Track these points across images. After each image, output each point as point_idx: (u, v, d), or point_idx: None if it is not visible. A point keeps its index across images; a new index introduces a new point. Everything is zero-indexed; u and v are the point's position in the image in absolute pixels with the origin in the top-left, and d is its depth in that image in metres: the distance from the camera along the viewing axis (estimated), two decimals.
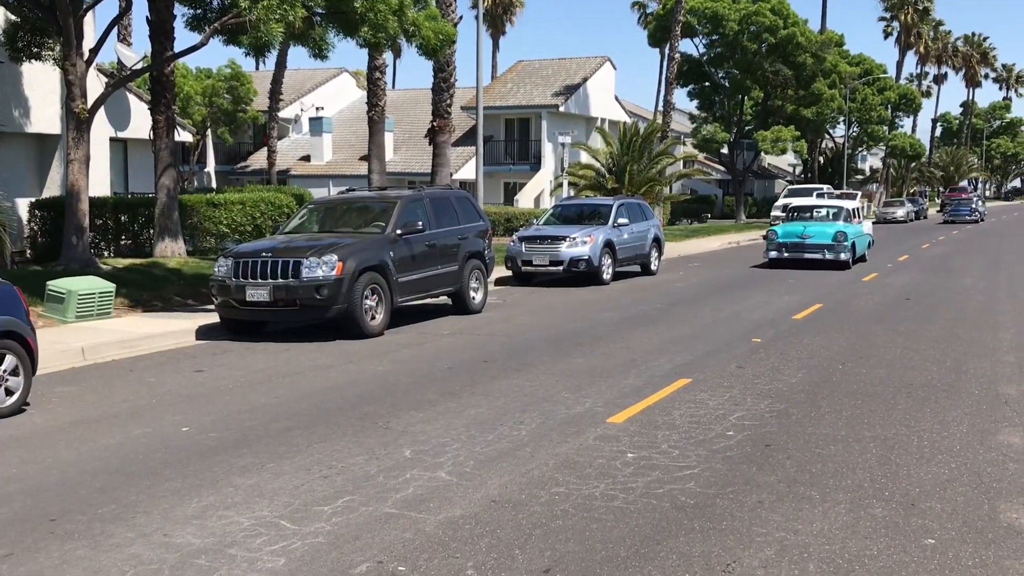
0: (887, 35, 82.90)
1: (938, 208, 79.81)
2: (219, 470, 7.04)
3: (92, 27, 20.49)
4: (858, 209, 26.93)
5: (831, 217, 25.67)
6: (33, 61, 18.92)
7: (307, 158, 47.09)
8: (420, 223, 14.77)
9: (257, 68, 52.07)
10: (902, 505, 6.18)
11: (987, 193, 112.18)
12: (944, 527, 5.79)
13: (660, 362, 11.22)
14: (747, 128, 55.10)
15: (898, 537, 5.63)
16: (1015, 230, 47.39)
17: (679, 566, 5.23)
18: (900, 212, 58.22)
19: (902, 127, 79.54)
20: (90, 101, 17.42)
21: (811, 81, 52.81)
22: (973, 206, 57.42)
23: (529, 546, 5.50)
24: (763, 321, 14.68)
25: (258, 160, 47.82)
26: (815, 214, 26.25)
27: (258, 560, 5.34)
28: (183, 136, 28.25)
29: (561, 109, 45.59)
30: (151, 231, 20.50)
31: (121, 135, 25.01)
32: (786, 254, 24.56)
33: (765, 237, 26.32)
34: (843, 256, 23.91)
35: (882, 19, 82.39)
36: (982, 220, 57.08)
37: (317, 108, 49.46)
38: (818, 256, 24.05)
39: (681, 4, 45.67)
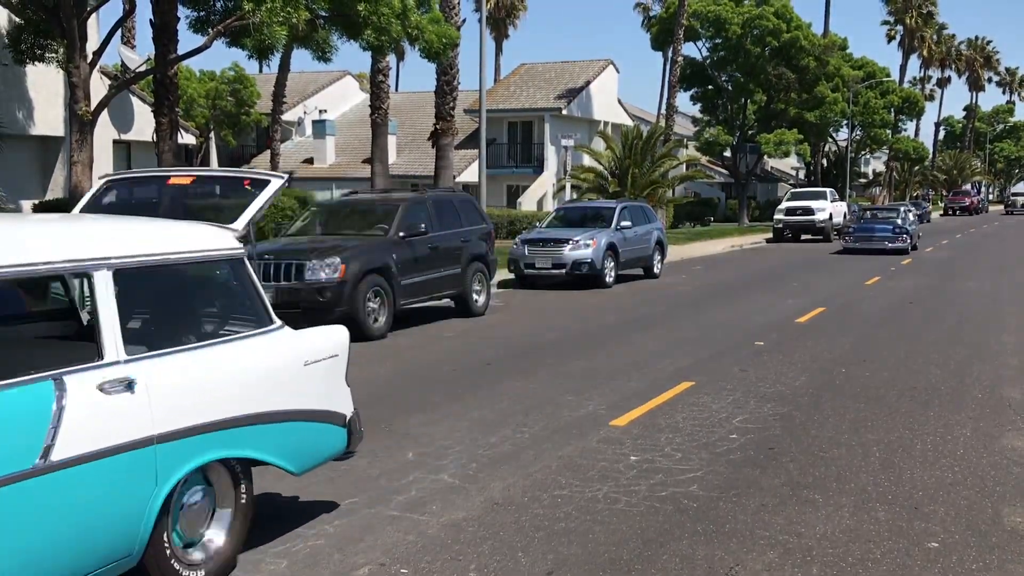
0: (890, 39, 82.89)
1: (942, 211, 79.86)
2: None
3: (96, 29, 20.53)
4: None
5: None
6: (37, 63, 18.97)
7: (310, 161, 47.14)
8: (423, 225, 14.78)
9: (260, 71, 52.08)
10: (906, 509, 6.17)
11: (990, 197, 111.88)
12: (948, 531, 5.78)
13: (663, 365, 11.21)
14: (750, 131, 55.07)
15: (902, 540, 5.62)
16: (1012, 235, 47.33)
17: (682, 569, 5.22)
18: None
19: (905, 131, 79.48)
20: (93, 103, 17.45)
21: (814, 84, 52.77)
22: (898, 224, 32.73)
23: (532, 549, 5.50)
24: (766, 324, 14.67)
25: (261, 163, 47.81)
26: None
27: (261, 562, 5.33)
28: (186, 138, 28.28)
29: (564, 112, 45.61)
30: None
31: (124, 137, 25.06)
32: None
33: None
34: None
35: (885, 23, 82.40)
36: (913, 248, 32.51)
37: (320, 111, 49.49)
38: None
39: (684, 8, 45.67)
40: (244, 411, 4.89)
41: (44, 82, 21.30)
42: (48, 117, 21.75)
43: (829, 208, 40.33)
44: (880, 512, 6.10)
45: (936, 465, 7.12)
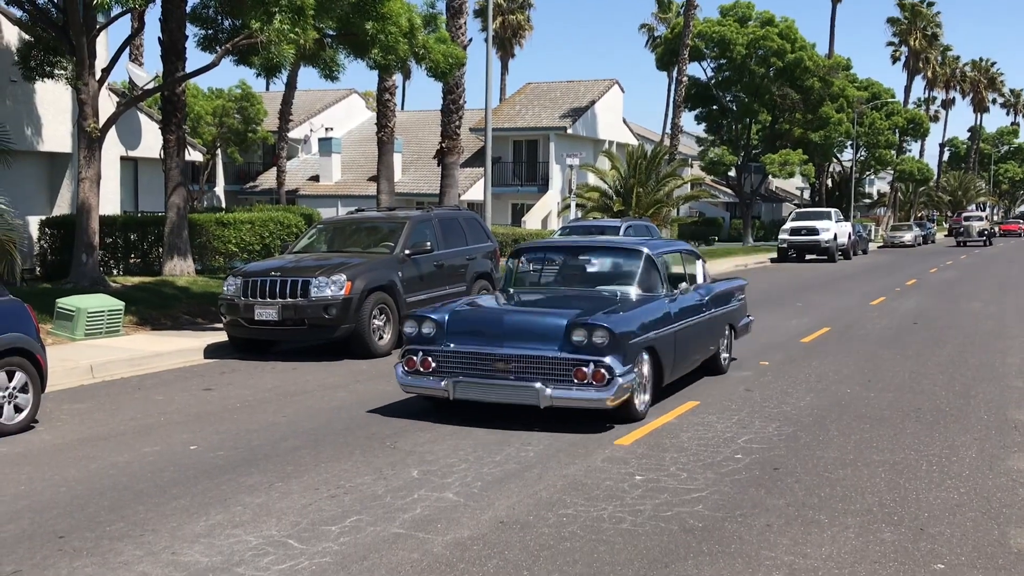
0: (895, 60, 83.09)
1: (946, 232, 79.74)
2: (227, 488, 7.04)
3: (105, 47, 20.64)
4: None
5: None
6: (46, 80, 19.07)
7: (316, 178, 47.29)
8: (429, 243, 14.82)
9: (267, 88, 52.44)
10: (911, 530, 6.15)
11: (995, 217, 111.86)
12: (954, 552, 5.77)
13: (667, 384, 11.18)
14: (754, 151, 55.20)
15: (907, 562, 5.61)
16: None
17: None
18: (908, 236, 58.19)
19: (910, 151, 79.60)
20: (102, 120, 17.53)
21: (819, 105, 52.93)
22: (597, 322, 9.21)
23: (537, 568, 5.49)
24: (771, 344, 14.66)
25: (267, 180, 48.02)
26: None
27: None
28: (193, 155, 28.35)
29: (569, 131, 45.75)
30: (160, 250, 20.57)
31: (132, 154, 25.13)
32: None
33: None
34: None
35: (890, 44, 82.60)
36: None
37: (327, 129, 49.70)
38: None
39: (689, 28, 45.91)
40: None
41: (53, 99, 21.40)
42: (56, 133, 21.84)
43: (834, 228, 40.35)
44: (886, 533, 6.09)
45: (942, 486, 7.11)
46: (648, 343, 9.23)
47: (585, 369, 8.57)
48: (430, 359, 9.15)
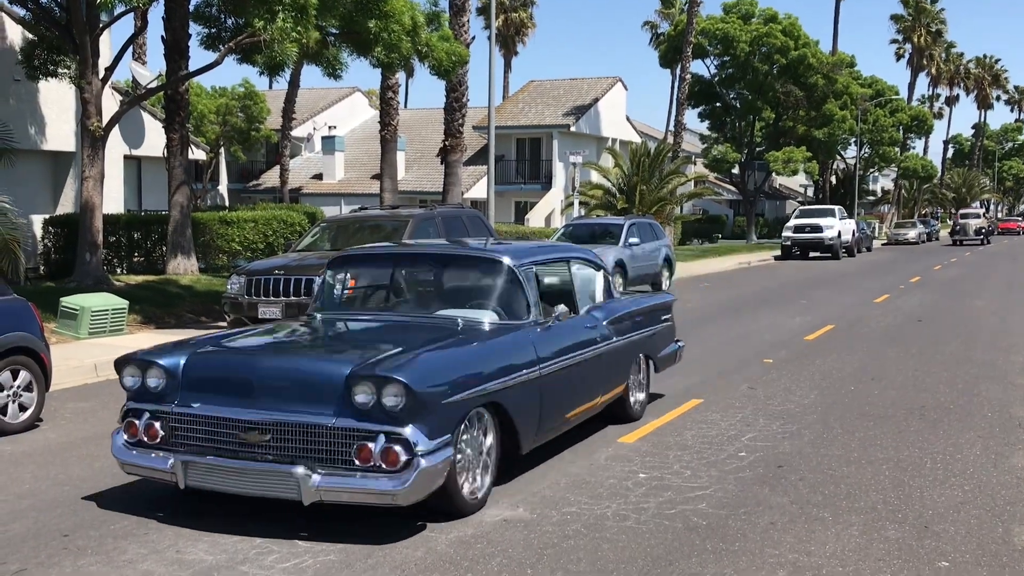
0: (899, 57, 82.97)
1: (950, 230, 79.50)
2: None
3: (108, 46, 20.67)
4: None
5: None
6: (49, 79, 19.12)
7: (319, 176, 47.31)
8: None
9: (270, 87, 52.35)
10: (915, 527, 6.15)
11: (999, 215, 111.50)
12: (958, 550, 5.76)
13: (671, 382, 11.16)
14: (758, 149, 55.15)
15: (912, 560, 5.60)
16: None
17: None
18: (912, 233, 58.13)
19: (914, 148, 79.51)
20: (105, 119, 17.55)
21: (822, 102, 52.85)
22: None
23: (541, 566, 5.50)
24: (774, 342, 14.65)
25: (271, 178, 48.05)
26: None
27: None
28: (196, 154, 28.41)
29: (572, 129, 45.73)
30: (164, 248, 20.61)
31: (135, 153, 25.18)
32: None
33: None
34: None
35: (894, 41, 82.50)
36: None
37: (330, 127, 49.71)
38: None
39: (692, 26, 45.85)
40: None
41: (56, 98, 21.44)
42: (60, 132, 21.88)
43: (837, 226, 40.31)
44: (890, 531, 6.08)
45: (946, 484, 7.11)
46: (489, 398, 6.41)
47: (371, 445, 5.76)
48: (157, 425, 6.30)
